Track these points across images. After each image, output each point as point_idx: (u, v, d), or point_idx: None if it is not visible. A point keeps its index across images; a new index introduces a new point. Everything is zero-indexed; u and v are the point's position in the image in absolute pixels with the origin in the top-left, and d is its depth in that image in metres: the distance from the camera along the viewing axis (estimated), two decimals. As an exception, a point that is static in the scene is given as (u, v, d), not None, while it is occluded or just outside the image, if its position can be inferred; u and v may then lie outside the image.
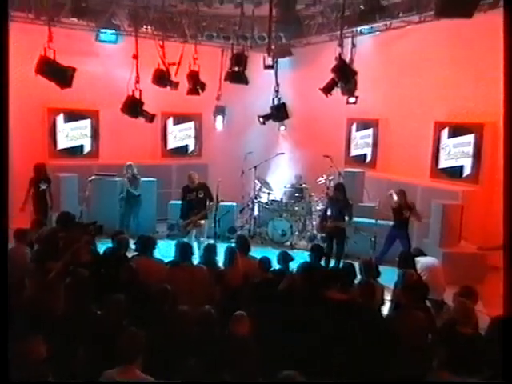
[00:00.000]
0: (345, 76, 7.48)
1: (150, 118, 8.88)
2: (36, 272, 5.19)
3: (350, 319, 4.68)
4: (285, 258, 6.28)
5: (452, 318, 4.59)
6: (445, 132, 10.10)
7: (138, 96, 8.27)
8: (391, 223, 8.80)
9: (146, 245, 6.26)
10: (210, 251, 6.35)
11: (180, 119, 13.21)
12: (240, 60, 8.89)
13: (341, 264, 7.81)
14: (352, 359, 4.23)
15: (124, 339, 3.63)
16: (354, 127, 12.28)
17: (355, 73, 7.60)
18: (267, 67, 9.43)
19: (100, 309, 4.57)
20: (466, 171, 9.75)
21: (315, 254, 6.59)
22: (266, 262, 6.08)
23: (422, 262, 6.78)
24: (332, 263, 8.30)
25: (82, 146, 11.93)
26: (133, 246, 6.67)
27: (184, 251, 6.05)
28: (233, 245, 6.82)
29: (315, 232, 10.56)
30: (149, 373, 3.59)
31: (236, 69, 9.00)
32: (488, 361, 4.23)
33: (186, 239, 8.53)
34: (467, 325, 4.42)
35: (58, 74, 7.28)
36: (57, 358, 3.66)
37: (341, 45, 7.33)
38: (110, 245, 6.61)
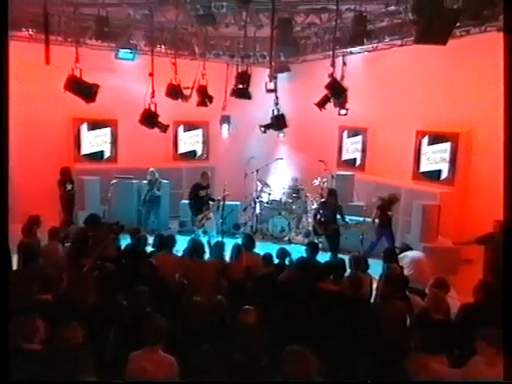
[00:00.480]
0: (336, 92, 7.58)
1: (165, 128, 8.97)
2: (71, 267, 5.44)
3: (340, 307, 4.84)
4: (283, 254, 6.49)
5: (426, 306, 4.81)
6: (425, 140, 10.25)
7: (153, 109, 8.44)
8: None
9: (166, 242, 6.47)
10: (219, 248, 6.61)
11: (189, 127, 13.33)
12: (244, 78, 9.02)
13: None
14: (341, 341, 4.43)
15: (149, 325, 3.79)
16: (345, 134, 12.37)
17: (345, 89, 7.74)
18: (269, 91, 9.66)
19: (125, 299, 4.71)
20: (444, 175, 9.92)
21: (310, 250, 6.74)
22: (268, 257, 6.33)
23: (409, 255, 6.90)
24: (328, 257, 8.50)
25: (102, 152, 12.10)
26: (151, 242, 6.81)
27: (197, 249, 6.28)
28: (239, 241, 7.02)
29: (310, 229, 10.78)
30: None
31: (240, 86, 9.13)
32: (457, 341, 4.47)
33: (193, 235, 8.80)
34: (439, 311, 4.59)
35: (84, 90, 7.43)
36: (91, 341, 3.89)
37: (333, 65, 7.41)
38: (129, 241, 6.77)
